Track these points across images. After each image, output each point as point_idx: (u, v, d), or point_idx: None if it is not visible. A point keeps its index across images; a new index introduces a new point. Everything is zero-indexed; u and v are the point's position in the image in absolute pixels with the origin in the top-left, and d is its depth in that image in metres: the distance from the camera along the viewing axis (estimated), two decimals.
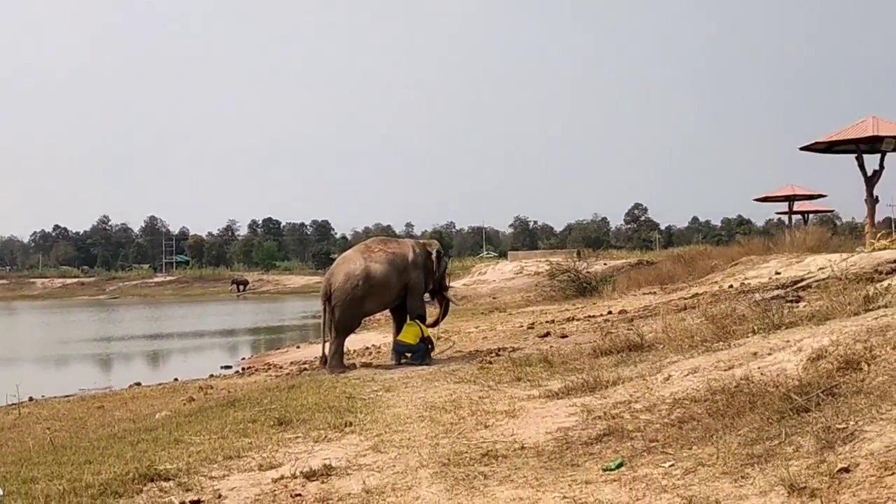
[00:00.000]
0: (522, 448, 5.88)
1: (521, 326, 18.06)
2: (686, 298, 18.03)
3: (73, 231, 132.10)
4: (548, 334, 15.49)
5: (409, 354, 13.05)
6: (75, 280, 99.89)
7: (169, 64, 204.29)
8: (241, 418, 8.26)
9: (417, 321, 13.32)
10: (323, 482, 5.46)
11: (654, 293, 22.91)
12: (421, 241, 15.36)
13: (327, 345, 13.66)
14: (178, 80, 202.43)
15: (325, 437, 6.96)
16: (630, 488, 4.62)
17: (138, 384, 16.88)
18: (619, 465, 5.07)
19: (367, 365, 13.55)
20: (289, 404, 8.99)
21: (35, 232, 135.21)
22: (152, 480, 5.64)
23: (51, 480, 5.92)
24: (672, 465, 4.89)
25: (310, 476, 5.54)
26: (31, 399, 15.27)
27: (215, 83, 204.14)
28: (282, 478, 5.57)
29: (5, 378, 19.43)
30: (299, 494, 5.24)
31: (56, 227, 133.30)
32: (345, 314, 13.31)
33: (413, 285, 13.66)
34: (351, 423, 7.40)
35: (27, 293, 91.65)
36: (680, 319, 11.93)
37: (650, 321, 13.78)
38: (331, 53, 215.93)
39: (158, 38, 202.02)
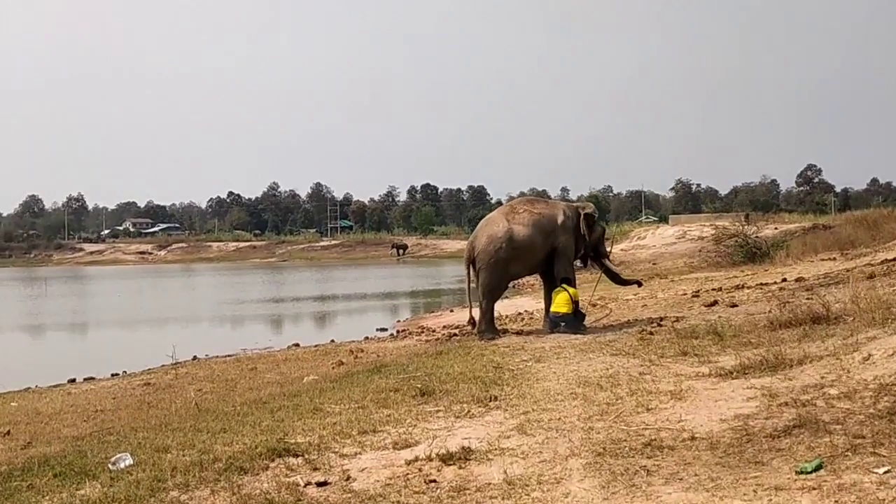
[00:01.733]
0: (693, 438, 5.02)
1: (685, 294, 16.74)
2: (874, 265, 16.08)
3: (246, 197, 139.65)
4: (715, 303, 14.17)
5: (562, 324, 12.30)
6: (248, 244, 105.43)
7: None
8: (384, 386, 7.86)
9: (566, 286, 12.48)
10: (461, 467, 4.87)
11: (834, 259, 20.77)
12: (574, 203, 14.44)
13: (474, 310, 13.34)
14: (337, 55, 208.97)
15: (468, 412, 6.38)
16: (835, 501, 3.69)
17: (296, 345, 17.16)
18: (818, 468, 4.11)
19: (518, 332, 12.93)
20: (434, 372, 8.52)
21: (211, 198, 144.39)
22: (281, 456, 5.27)
23: (182, 450, 5.71)
24: (888, 471, 3.91)
25: (447, 459, 4.97)
26: (194, 358, 15.80)
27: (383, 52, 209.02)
28: (416, 459, 5.04)
29: (176, 337, 20.48)
30: (434, 481, 4.68)
31: (230, 193, 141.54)
32: (490, 278, 12.75)
33: (561, 249, 12.82)
34: (496, 398, 6.78)
35: (204, 256, 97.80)
36: (869, 288, 10.38)
37: (833, 290, 12.23)
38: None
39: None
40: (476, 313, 13.34)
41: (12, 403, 10.54)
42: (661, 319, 12.48)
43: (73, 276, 68.08)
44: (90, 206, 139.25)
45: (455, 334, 14.62)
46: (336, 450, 5.43)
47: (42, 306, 36.06)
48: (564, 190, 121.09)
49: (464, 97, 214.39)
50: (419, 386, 7.47)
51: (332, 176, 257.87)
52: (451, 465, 4.90)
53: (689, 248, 39.10)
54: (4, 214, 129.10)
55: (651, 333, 10.48)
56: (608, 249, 14.13)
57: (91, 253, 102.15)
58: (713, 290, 16.94)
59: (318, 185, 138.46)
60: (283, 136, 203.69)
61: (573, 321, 12.14)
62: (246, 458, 5.25)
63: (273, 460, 5.20)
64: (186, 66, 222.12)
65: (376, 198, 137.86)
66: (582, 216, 13.02)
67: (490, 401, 6.67)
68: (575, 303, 12.26)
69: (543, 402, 6.50)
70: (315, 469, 5.01)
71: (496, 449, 5.18)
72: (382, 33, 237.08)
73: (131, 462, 5.49)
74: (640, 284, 14.70)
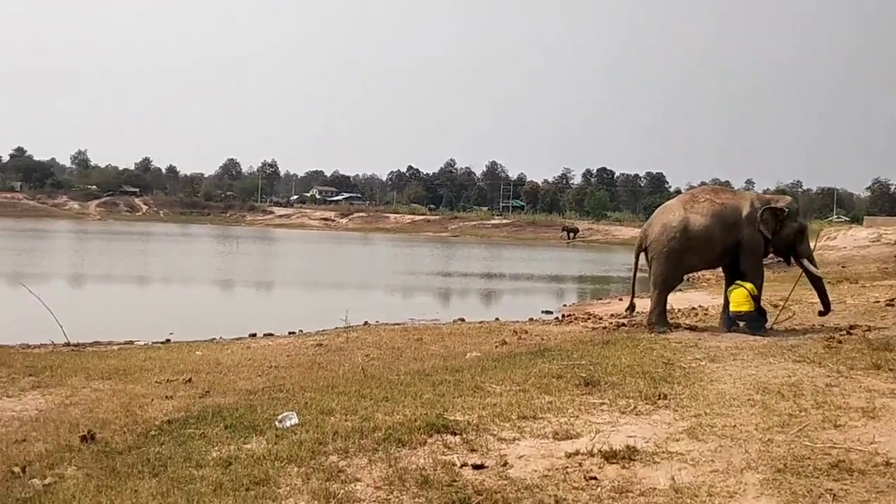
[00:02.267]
0: (887, 464, 4.48)
1: (878, 302, 15.26)
2: None
3: (424, 172, 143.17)
4: None
5: (740, 323, 11.54)
6: (422, 217, 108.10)
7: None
8: (547, 371, 7.67)
9: (741, 282, 11.65)
10: (624, 467, 4.61)
11: None
12: (766, 195, 13.40)
13: (637, 298, 12.89)
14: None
15: (634, 408, 6.07)
16: None
17: (462, 320, 17.30)
18: None
19: (691, 328, 12.30)
20: (599, 362, 8.23)
21: (392, 171, 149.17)
22: (439, 432, 5.23)
23: (345, 415, 5.81)
24: None
25: (609, 457, 4.72)
26: (365, 323, 16.29)
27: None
28: (577, 453, 4.83)
29: (350, 301, 21.26)
30: (594, 478, 4.45)
31: (409, 167, 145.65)
32: (662, 268, 12.14)
33: (746, 243, 11.87)
34: (665, 396, 6.41)
35: (381, 226, 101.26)
36: None
37: None
38: None
39: None
40: (638, 301, 12.85)
41: (197, 352, 11.27)
42: (851, 327, 11.41)
43: (262, 236, 72.67)
44: (282, 172, 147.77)
45: (623, 324, 14.15)
46: (494, 432, 5.32)
47: (233, 263, 38.71)
48: (749, 182, 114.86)
49: (647, 80, 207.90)
50: (583, 375, 7.22)
51: (507, 155, 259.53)
52: (613, 463, 4.66)
53: (883, 252, 35.86)
54: (206, 175, 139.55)
55: (839, 342, 9.59)
56: (811, 248, 12.74)
57: (280, 216, 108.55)
58: None
59: (494, 163, 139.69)
60: (462, 115, 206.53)
61: (754, 321, 11.36)
62: (405, 430, 5.25)
63: (431, 435, 5.17)
64: (391, 54, 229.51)
65: (550, 179, 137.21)
66: (762, 209, 11.89)
67: (658, 399, 6.32)
68: (755, 299, 11.44)
69: (717, 405, 6.07)
70: (472, 450, 4.93)
71: (663, 451, 4.87)
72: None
73: (296, 421, 5.65)
74: (825, 311, 13.03)
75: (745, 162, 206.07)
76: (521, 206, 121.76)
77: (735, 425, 5.44)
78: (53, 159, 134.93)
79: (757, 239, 11.89)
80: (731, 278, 12.20)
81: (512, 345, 11.40)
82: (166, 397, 7.50)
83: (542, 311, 19.95)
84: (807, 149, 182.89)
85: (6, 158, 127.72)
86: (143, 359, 10.43)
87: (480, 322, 16.45)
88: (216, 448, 5.15)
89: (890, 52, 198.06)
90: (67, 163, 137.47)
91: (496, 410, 5.89)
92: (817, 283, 12.52)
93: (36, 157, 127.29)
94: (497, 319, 17.32)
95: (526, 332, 13.07)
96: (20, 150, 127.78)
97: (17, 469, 4.87)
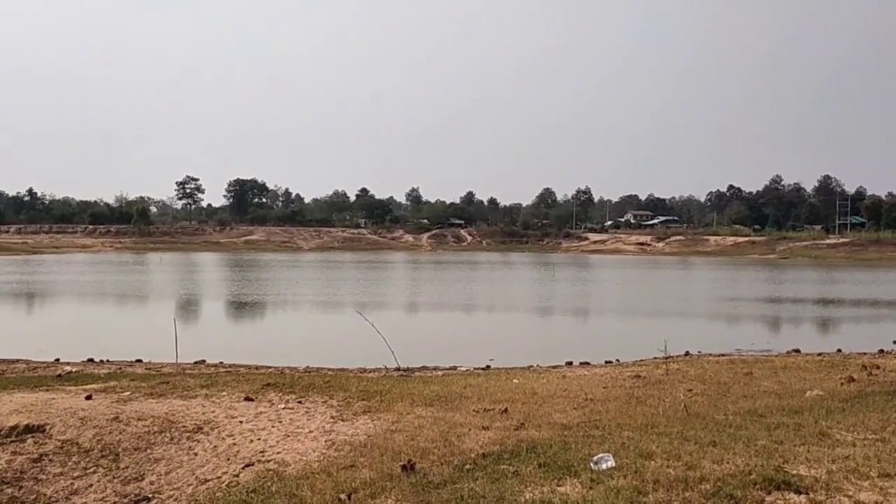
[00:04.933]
0: None
1: None
2: None
3: (746, 191, 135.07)
4: None
5: None
6: (746, 238, 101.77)
7: None
8: None
9: None
10: None
11: None
12: None
13: None
14: None
15: None
16: None
17: (797, 351, 15.76)
18: None
19: None
20: None
21: (711, 192, 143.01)
22: (779, 489, 4.48)
23: (667, 459, 5.28)
24: None
25: None
26: (686, 353, 15.41)
27: None
28: None
29: (669, 329, 20.32)
30: None
31: (730, 187, 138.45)
32: None
33: None
34: None
35: (701, 249, 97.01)
36: None
37: None
38: None
39: None
40: None
41: (514, 380, 11.32)
42: None
43: (577, 262, 73.25)
44: (595, 198, 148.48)
45: None
46: (850, 493, 4.45)
47: (550, 290, 39.27)
48: None
49: None
50: None
51: (842, 168, 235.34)
52: None
53: None
54: (524, 205, 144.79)
55: None
56: None
57: (594, 242, 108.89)
58: None
59: (827, 177, 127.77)
60: (786, 126, 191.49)
61: None
62: (737, 483, 4.59)
63: (770, 492, 4.46)
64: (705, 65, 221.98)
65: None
66: None
67: None
68: None
69: None
70: None
71: None
72: None
73: (613, 464, 5.25)
74: None
75: None
76: (862, 223, 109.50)
77: None
78: (391, 197, 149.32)
79: None
80: None
81: (861, 382, 9.96)
82: (483, 428, 7.51)
83: (895, 342, 17.48)
84: None
85: (353, 198, 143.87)
86: (463, 385, 10.69)
87: (819, 354, 14.82)
88: (529, 489, 4.93)
89: None
90: (403, 199, 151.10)
91: (850, 465, 4.97)
92: None
93: (377, 196, 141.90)
94: (839, 351, 15.52)
95: (877, 367, 11.41)
96: (364, 191, 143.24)
97: (343, 496, 5.06)
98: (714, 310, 29.55)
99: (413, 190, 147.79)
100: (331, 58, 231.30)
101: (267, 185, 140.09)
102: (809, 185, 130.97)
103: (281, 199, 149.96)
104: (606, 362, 14.48)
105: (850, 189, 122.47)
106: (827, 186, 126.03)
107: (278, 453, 6.79)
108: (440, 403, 9.12)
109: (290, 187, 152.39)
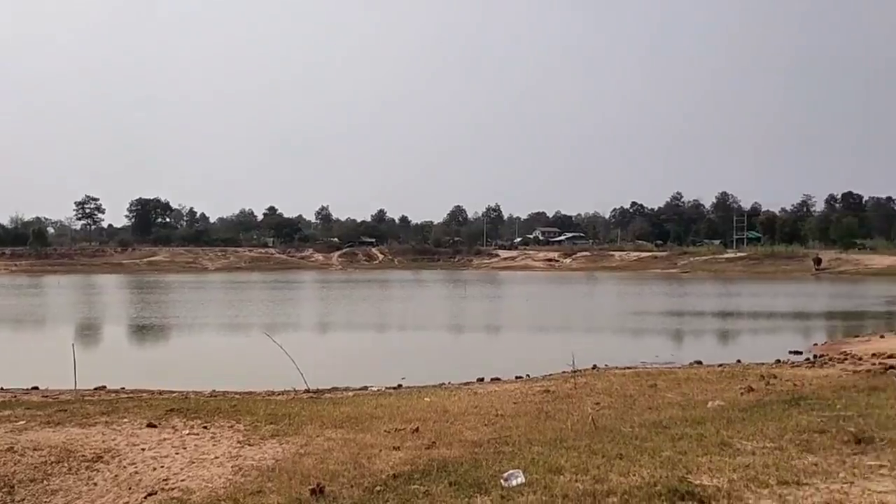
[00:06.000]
0: None
1: None
2: None
3: (649, 207, 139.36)
4: None
5: None
6: (649, 254, 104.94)
7: None
8: (806, 425, 6.70)
9: None
10: None
11: None
12: None
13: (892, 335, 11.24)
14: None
15: None
16: None
17: (699, 362, 16.25)
18: None
19: None
20: (869, 413, 7.12)
21: (615, 208, 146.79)
22: (683, 500, 4.55)
23: (575, 474, 5.31)
24: None
25: None
26: (594, 367, 15.70)
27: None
28: None
29: (577, 344, 20.67)
30: None
31: (633, 203, 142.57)
32: None
33: None
34: None
35: (606, 264, 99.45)
36: None
37: None
38: None
39: None
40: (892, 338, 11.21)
41: (426, 399, 11.26)
42: None
43: (488, 279, 73.99)
44: (505, 215, 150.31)
45: (892, 366, 12.47)
46: (750, 501, 4.55)
47: (461, 308, 39.49)
48: None
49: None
50: (852, 429, 6.20)
51: (739, 185, 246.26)
52: None
53: None
54: (435, 223, 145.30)
55: None
56: None
57: (505, 259, 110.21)
58: None
59: (724, 194, 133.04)
60: (687, 144, 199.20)
61: None
62: (643, 495, 4.65)
63: (674, 503, 4.53)
64: (597, 85, 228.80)
65: (788, 208, 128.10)
66: None
67: None
68: None
69: None
70: None
71: None
72: None
73: (523, 480, 5.25)
74: None
75: None
76: (757, 237, 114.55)
77: None
78: (300, 216, 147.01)
79: None
80: None
81: (760, 391, 10.35)
82: (394, 448, 7.43)
83: (791, 352, 18.30)
84: None
85: (260, 217, 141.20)
86: (374, 406, 10.57)
87: (720, 365, 15.32)
88: None
89: None
90: (312, 218, 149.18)
91: (750, 473, 5.10)
92: None
93: (286, 215, 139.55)
94: (739, 362, 16.08)
95: (774, 377, 11.88)
96: (272, 209, 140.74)
97: None
98: (620, 324, 30.29)
99: (323, 208, 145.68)
100: (222, 69, 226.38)
101: (171, 204, 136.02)
102: (708, 202, 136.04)
103: (185, 218, 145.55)
104: (517, 378, 14.61)
105: (746, 205, 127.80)
106: (725, 203, 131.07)
107: (182, 481, 6.55)
108: (350, 425, 9.00)
109: (195, 207, 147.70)
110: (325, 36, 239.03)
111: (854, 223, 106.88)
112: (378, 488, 5.62)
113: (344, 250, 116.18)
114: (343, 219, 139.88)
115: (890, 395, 8.26)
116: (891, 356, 14.27)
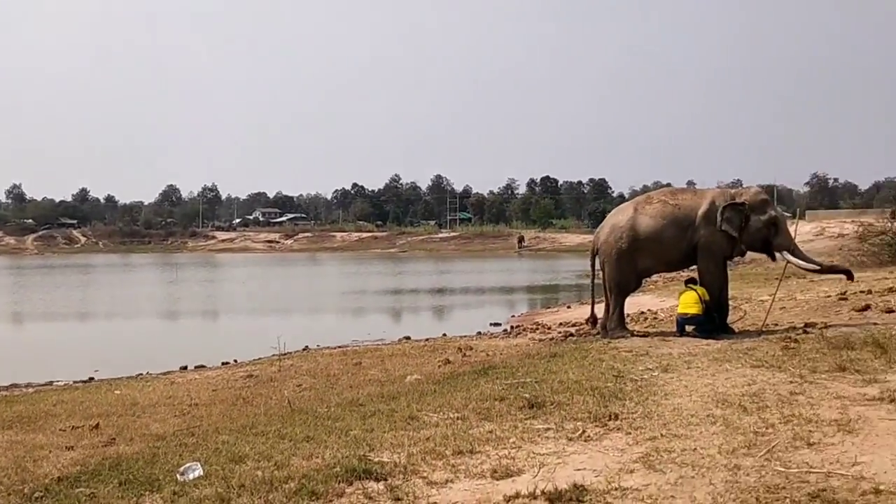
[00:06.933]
0: (877, 492, 3.89)
1: (829, 296, 14.83)
2: None
3: (369, 189, 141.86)
4: (867, 307, 12.41)
5: (689, 327, 11.09)
6: (370, 234, 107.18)
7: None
8: (489, 393, 7.02)
9: (695, 286, 11.20)
10: None
11: None
12: (732, 190, 12.27)
13: (597, 307, 12.41)
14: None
15: (583, 432, 5.43)
16: None
17: (407, 338, 16.65)
18: None
19: (643, 334, 11.83)
20: (545, 379, 7.61)
21: (337, 190, 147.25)
22: (360, 478, 4.49)
23: (258, 461, 5.09)
24: None
25: (554, 499, 4.05)
26: (305, 348, 15.52)
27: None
28: (517, 496, 4.13)
29: (294, 326, 20.42)
30: None
31: (354, 185, 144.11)
32: (613, 272, 11.70)
33: (703, 244, 11.21)
34: (617, 416, 5.79)
35: (328, 245, 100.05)
36: None
37: None
38: None
39: None
40: (599, 311, 12.37)
41: (116, 391, 10.41)
42: (807, 325, 11.02)
43: (204, 263, 70.83)
44: (223, 196, 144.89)
45: (571, 334, 13.67)
46: (425, 474, 4.61)
47: (173, 293, 37.37)
48: (690, 183, 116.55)
49: (583, 84, 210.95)
50: (528, 395, 6.58)
51: (452, 169, 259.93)
52: None
53: (828, 246, 36.11)
54: (146, 203, 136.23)
55: (797, 342, 9.15)
56: (791, 238, 11.66)
57: (223, 241, 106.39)
58: (861, 292, 15.05)
59: (439, 177, 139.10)
60: (405, 130, 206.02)
61: (703, 324, 10.92)
62: (321, 478, 4.53)
63: (351, 483, 4.45)
64: (314, 67, 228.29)
65: (496, 190, 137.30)
66: (722, 207, 11.12)
67: (609, 419, 5.70)
68: (705, 302, 11.00)
69: (674, 425, 5.47)
70: (396, 500, 4.21)
71: (616, 488, 4.19)
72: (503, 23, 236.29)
73: (200, 473, 4.92)
74: (850, 276, 12.18)
75: (686, 163, 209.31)
76: (469, 218, 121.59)
77: (696, 449, 4.80)
78: None
79: (716, 239, 11.20)
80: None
81: (456, 363, 10.77)
82: (67, 448, 6.74)
83: (491, 324, 19.42)
84: (745, 148, 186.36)
85: None
86: (54, 402, 9.57)
87: (426, 340, 15.82)
88: None
89: (814, 50, 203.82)
90: (3, 198, 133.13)
91: (429, 446, 5.20)
92: (819, 268, 12.10)
93: None
94: (444, 335, 16.73)
95: (471, 349, 12.46)
96: None
97: None
98: (338, 303, 30.47)
99: (15, 186, 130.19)
100: None
101: None
102: (424, 184, 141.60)
103: None
104: (223, 364, 14.02)
105: (459, 188, 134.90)
106: (439, 185, 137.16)
107: None
108: (21, 425, 8.08)
109: None
110: None
111: (551, 205, 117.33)
112: (37, 495, 5.00)
113: (40, 233, 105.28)
114: (39, 199, 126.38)
115: (567, 361, 8.92)
116: (574, 325, 15.62)
